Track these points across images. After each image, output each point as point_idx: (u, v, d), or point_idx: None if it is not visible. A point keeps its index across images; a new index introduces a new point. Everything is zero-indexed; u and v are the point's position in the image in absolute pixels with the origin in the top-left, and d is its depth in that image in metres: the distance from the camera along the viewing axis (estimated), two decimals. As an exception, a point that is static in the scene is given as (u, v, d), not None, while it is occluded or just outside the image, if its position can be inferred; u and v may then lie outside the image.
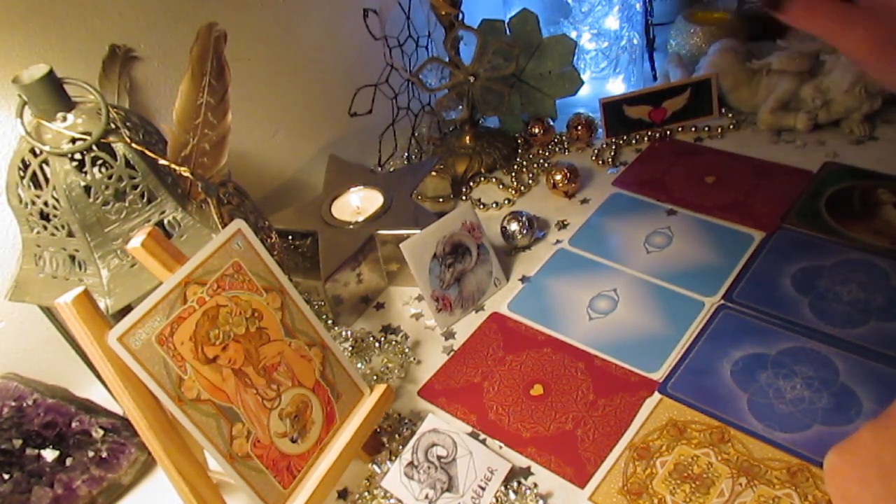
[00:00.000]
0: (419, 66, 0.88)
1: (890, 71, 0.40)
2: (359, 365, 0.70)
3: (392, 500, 0.58)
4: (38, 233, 0.56)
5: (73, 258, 0.56)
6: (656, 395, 0.63)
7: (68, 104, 0.54)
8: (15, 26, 0.60)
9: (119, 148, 0.54)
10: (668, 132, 0.96)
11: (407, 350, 0.71)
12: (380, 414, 0.59)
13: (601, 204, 0.86)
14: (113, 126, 0.54)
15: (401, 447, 0.60)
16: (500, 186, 0.92)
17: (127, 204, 0.55)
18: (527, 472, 0.59)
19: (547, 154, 0.97)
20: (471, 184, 0.93)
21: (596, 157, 0.94)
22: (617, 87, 1.08)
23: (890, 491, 0.37)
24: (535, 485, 0.58)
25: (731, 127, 0.96)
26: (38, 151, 0.53)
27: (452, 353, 0.71)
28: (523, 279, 0.78)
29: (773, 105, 0.92)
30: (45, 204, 0.54)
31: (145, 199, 0.56)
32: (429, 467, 0.58)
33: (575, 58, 0.95)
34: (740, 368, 0.64)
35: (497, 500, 0.57)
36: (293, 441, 0.53)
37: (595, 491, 0.56)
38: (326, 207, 0.80)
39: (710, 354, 0.65)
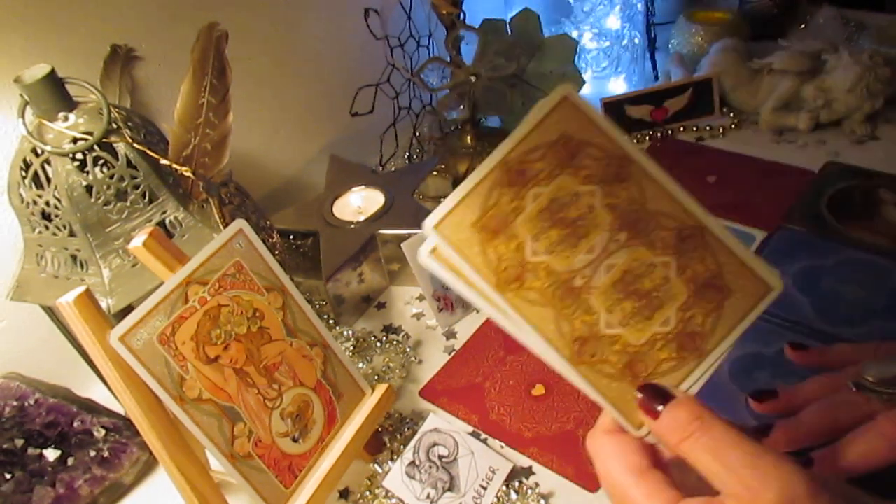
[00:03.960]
0: (420, 66, 0.88)
1: None
2: (360, 365, 0.70)
3: (394, 500, 0.58)
4: (39, 232, 0.56)
5: (74, 258, 0.56)
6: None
7: (70, 104, 0.54)
8: (16, 26, 0.60)
9: (121, 148, 0.54)
10: (670, 132, 0.96)
11: (408, 350, 0.71)
12: (381, 414, 0.59)
13: (602, 203, 0.86)
14: (114, 126, 0.54)
15: (402, 447, 0.60)
16: (502, 186, 0.92)
17: (128, 204, 0.55)
18: (528, 472, 0.59)
19: (548, 154, 0.96)
20: (472, 183, 0.93)
21: (597, 157, 0.94)
22: (618, 86, 1.08)
23: None
24: (537, 484, 0.58)
25: (733, 126, 0.96)
26: (39, 151, 0.53)
27: (454, 353, 0.71)
28: (524, 279, 0.78)
29: (774, 104, 0.92)
30: (47, 204, 0.54)
31: (147, 199, 0.56)
32: (430, 467, 0.58)
33: (576, 57, 0.95)
34: (738, 368, 0.64)
35: (498, 500, 0.57)
36: (295, 441, 0.53)
37: (443, 220, 0.42)
38: (328, 207, 0.80)
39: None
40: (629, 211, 0.43)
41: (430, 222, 0.41)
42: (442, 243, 0.42)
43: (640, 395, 0.41)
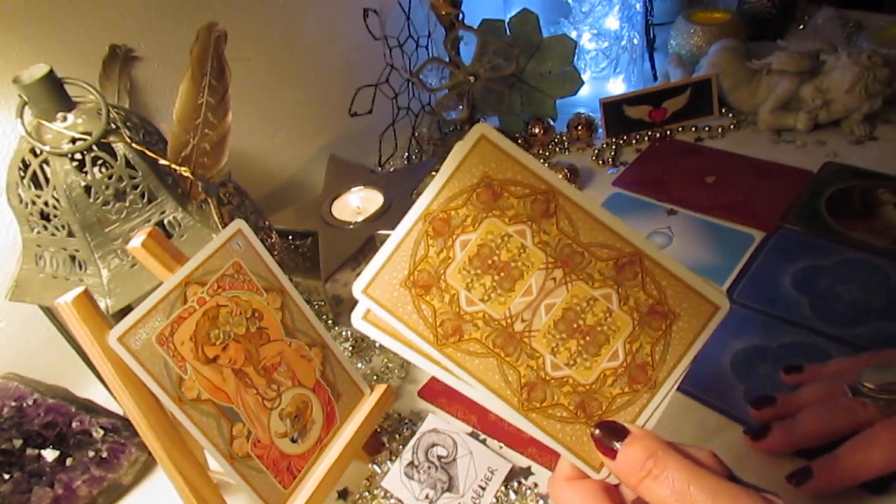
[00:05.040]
0: (419, 66, 0.88)
1: None
2: (359, 365, 0.70)
3: (392, 500, 0.58)
4: (38, 233, 0.56)
5: (73, 258, 0.56)
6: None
7: (68, 104, 0.54)
8: (15, 26, 0.60)
9: (119, 148, 0.54)
10: (669, 132, 0.96)
11: (407, 350, 0.71)
12: (380, 414, 0.59)
13: (601, 204, 0.86)
14: (113, 126, 0.54)
15: (401, 447, 0.60)
16: (501, 186, 0.92)
17: (127, 204, 0.55)
18: (527, 472, 0.59)
19: (547, 154, 0.97)
20: (471, 184, 0.93)
21: (596, 157, 0.94)
22: (617, 87, 1.08)
23: None
24: (536, 485, 0.58)
25: (732, 127, 0.96)
26: (38, 151, 0.53)
27: (453, 353, 0.71)
28: (523, 279, 0.78)
29: (773, 105, 0.92)
30: (46, 204, 0.54)
31: (145, 199, 0.56)
32: (429, 467, 0.58)
33: (575, 58, 0.95)
34: (740, 360, 0.64)
35: (497, 500, 0.57)
36: (293, 441, 0.53)
37: (371, 282, 0.41)
38: (326, 207, 0.80)
39: (709, 346, 0.66)
40: (562, 246, 0.41)
41: (358, 286, 0.40)
42: (374, 306, 0.40)
43: (596, 433, 0.39)
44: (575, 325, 0.41)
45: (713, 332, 0.41)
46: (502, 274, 0.41)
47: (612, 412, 0.41)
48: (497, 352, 0.41)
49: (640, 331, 0.41)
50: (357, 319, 0.40)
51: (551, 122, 0.98)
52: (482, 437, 0.62)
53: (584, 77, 0.98)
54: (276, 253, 0.62)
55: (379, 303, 0.40)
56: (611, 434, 0.39)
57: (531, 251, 0.41)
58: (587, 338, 0.41)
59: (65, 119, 0.53)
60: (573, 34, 1.04)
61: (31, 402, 0.60)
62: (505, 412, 0.40)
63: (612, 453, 0.38)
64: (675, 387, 0.41)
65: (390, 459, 0.60)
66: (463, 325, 0.41)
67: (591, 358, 0.41)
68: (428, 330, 0.40)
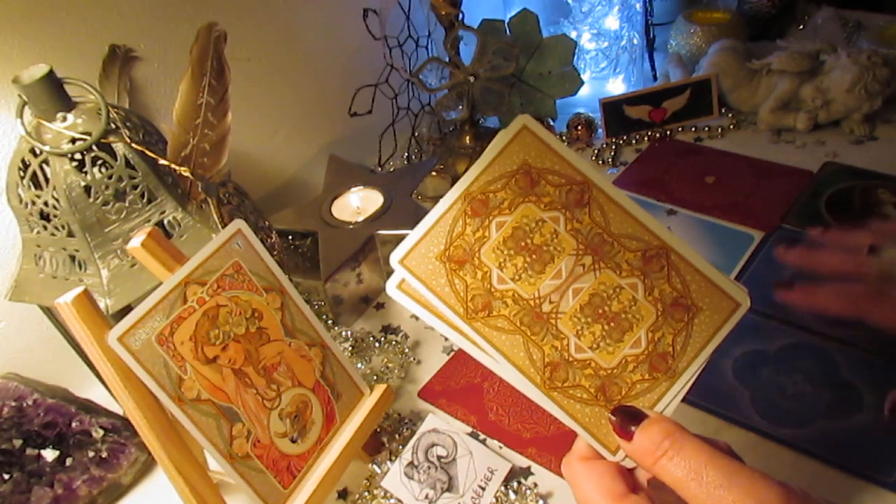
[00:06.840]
0: (419, 66, 0.88)
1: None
2: (359, 365, 0.70)
3: (392, 500, 0.58)
4: (38, 233, 0.56)
5: (73, 258, 0.56)
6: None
7: (68, 104, 0.54)
8: (15, 26, 0.60)
9: (119, 148, 0.54)
10: (668, 132, 0.96)
11: (407, 350, 0.71)
12: (380, 414, 0.59)
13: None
14: (113, 126, 0.54)
15: (401, 447, 0.60)
16: (500, 186, 0.92)
17: (127, 204, 0.55)
18: (527, 472, 0.59)
19: (547, 154, 0.96)
20: (471, 184, 0.93)
21: (596, 157, 0.94)
22: (617, 87, 1.08)
23: None
24: (535, 485, 0.58)
25: (731, 127, 0.96)
26: (38, 151, 0.53)
27: (452, 354, 0.71)
28: (523, 279, 0.78)
29: (773, 105, 0.92)
30: (46, 204, 0.54)
31: (145, 199, 0.56)
32: (429, 467, 0.58)
33: (575, 58, 0.95)
34: (741, 366, 0.64)
35: (497, 500, 0.57)
36: (293, 441, 0.53)
37: (409, 253, 0.43)
38: (326, 207, 0.80)
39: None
40: (593, 235, 0.43)
41: (395, 256, 0.42)
42: (408, 276, 0.42)
43: (613, 418, 0.40)
44: (600, 311, 0.42)
45: (733, 327, 0.42)
46: (534, 256, 0.43)
47: (631, 397, 0.42)
48: (524, 330, 0.42)
49: (663, 321, 0.42)
50: (391, 288, 0.42)
51: (551, 122, 0.98)
52: (482, 437, 0.62)
53: (584, 77, 0.98)
54: (275, 253, 0.62)
55: (414, 273, 0.42)
56: (628, 418, 0.40)
57: (563, 237, 0.43)
58: (611, 324, 0.42)
59: (64, 119, 0.53)
60: (573, 34, 1.04)
61: (30, 402, 0.60)
62: (527, 389, 0.42)
63: (628, 435, 0.39)
64: (694, 378, 0.42)
65: (390, 459, 0.60)
66: (493, 301, 0.42)
67: (614, 343, 0.42)
68: (459, 303, 0.42)
